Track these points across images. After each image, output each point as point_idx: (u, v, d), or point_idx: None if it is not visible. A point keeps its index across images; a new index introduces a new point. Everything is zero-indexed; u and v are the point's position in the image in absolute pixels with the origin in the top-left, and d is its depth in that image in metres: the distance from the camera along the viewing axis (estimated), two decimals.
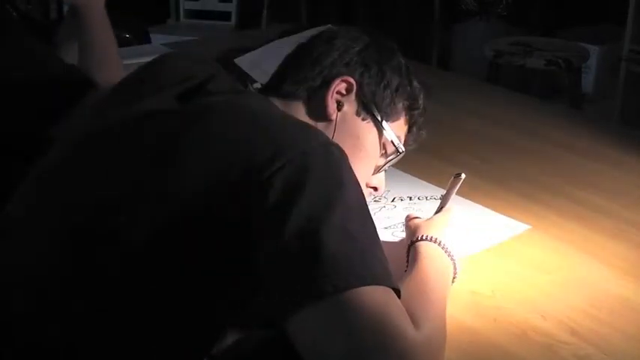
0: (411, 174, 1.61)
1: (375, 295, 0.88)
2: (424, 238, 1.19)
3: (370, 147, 1.21)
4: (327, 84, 1.17)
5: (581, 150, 1.76)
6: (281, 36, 2.02)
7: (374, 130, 1.20)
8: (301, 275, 0.87)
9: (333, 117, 1.17)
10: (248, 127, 0.98)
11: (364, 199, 0.97)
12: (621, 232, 1.42)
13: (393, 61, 1.23)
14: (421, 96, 1.27)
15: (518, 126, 1.90)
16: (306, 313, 0.86)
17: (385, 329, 0.86)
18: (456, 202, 1.38)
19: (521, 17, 4.36)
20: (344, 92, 1.17)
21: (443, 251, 1.18)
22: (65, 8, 1.79)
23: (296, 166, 0.91)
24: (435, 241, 1.19)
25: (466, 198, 1.50)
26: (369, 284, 0.88)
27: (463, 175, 1.30)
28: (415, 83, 1.25)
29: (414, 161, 1.68)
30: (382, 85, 1.20)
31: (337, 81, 1.17)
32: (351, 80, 1.17)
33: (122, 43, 3.00)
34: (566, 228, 1.43)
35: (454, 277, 1.19)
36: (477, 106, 2.03)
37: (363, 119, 1.19)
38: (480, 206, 1.50)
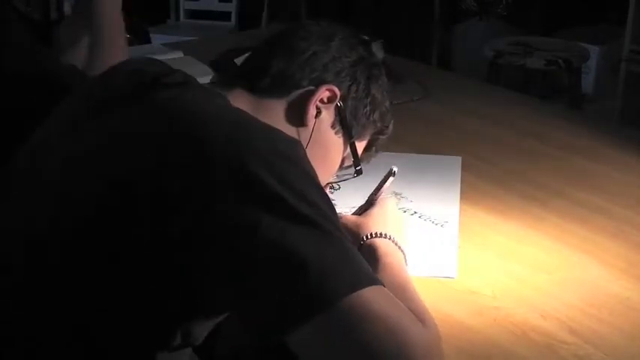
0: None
1: (372, 296, 0.88)
2: (375, 235, 1.18)
3: (333, 161, 1.18)
4: (313, 89, 1.12)
5: (581, 150, 1.76)
6: None
7: (341, 146, 1.17)
8: (287, 296, 0.86)
9: (310, 124, 1.13)
10: (185, 126, 0.96)
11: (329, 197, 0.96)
12: (621, 232, 1.42)
13: (379, 80, 1.18)
14: (391, 122, 1.24)
15: (518, 126, 1.90)
16: (303, 332, 0.86)
17: (394, 331, 0.87)
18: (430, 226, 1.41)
19: (521, 17, 4.35)
20: (325, 101, 1.13)
21: (395, 245, 1.18)
22: (67, 7, 1.77)
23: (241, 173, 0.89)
24: (385, 237, 1.18)
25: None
26: (362, 287, 0.87)
27: (395, 168, 1.28)
28: (389, 106, 1.22)
29: None
30: (364, 103, 1.16)
31: (323, 88, 1.12)
32: (337, 92, 1.13)
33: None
34: (566, 228, 1.43)
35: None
36: (477, 106, 2.03)
37: (336, 133, 1.16)
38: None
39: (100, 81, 1.17)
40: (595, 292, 1.24)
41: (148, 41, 3.54)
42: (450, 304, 1.20)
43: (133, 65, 1.15)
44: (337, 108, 1.14)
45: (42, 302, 0.96)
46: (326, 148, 1.16)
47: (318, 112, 1.13)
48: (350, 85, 1.14)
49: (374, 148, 1.24)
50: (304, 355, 0.89)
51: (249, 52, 1.20)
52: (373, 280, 0.90)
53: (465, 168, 1.67)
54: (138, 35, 3.48)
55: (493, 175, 1.64)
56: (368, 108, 1.17)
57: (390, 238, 1.18)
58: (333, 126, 1.15)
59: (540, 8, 4.44)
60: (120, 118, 1.02)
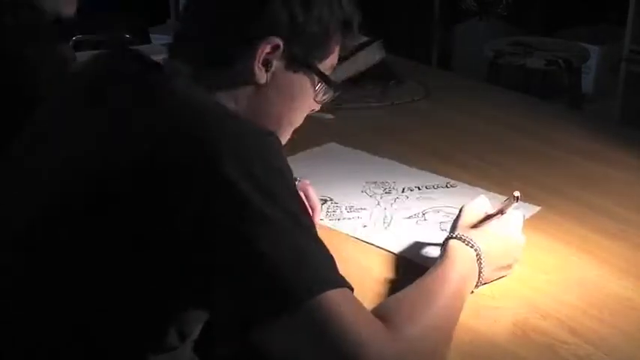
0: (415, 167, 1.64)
1: (338, 299, 0.87)
2: (462, 237, 1.17)
3: (304, 95, 1.14)
4: (250, 48, 1.06)
5: (581, 150, 1.76)
6: None
7: (306, 78, 1.13)
8: (255, 295, 0.87)
9: (263, 80, 1.08)
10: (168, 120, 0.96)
11: (296, 189, 0.96)
12: (621, 232, 1.41)
13: None
14: (355, 17, 1.16)
15: (518, 126, 1.90)
16: (267, 331, 0.87)
17: (351, 336, 0.86)
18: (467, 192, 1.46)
19: (521, 17, 4.35)
20: (269, 51, 1.07)
21: (475, 258, 1.16)
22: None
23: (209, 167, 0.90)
24: (472, 246, 1.16)
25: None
26: (329, 289, 0.87)
27: (517, 194, 1.21)
28: (344, 3, 1.13)
29: (414, 161, 1.68)
30: (312, 29, 1.09)
31: (261, 46, 1.06)
32: (277, 41, 1.06)
33: (122, 43, 3.01)
34: (566, 228, 1.43)
35: (476, 286, 1.18)
36: (477, 106, 2.03)
37: (295, 72, 1.11)
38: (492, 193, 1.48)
39: (86, 74, 1.15)
40: (595, 292, 1.24)
41: (148, 41, 3.53)
42: None
43: (116, 59, 1.14)
44: (284, 51, 1.08)
45: (42, 302, 0.96)
46: (291, 91, 1.12)
47: (269, 65, 1.08)
48: (289, 22, 1.07)
49: (348, 42, 1.17)
50: (266, 353, 0.89)
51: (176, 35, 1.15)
52: (341, 283, 0.90)
53: (465, 168, 1.66)
54: (138, 35, 3.48)
55: (493, 174, 1.63)
56: (317, 27, 1.09)
57: (475, 250, 1.16)
58: (288, 68, 1.10)
59: (540, 8, 4.44)
60: (103, 116, 1.02)
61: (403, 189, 1.55)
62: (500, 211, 1.24)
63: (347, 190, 1.54)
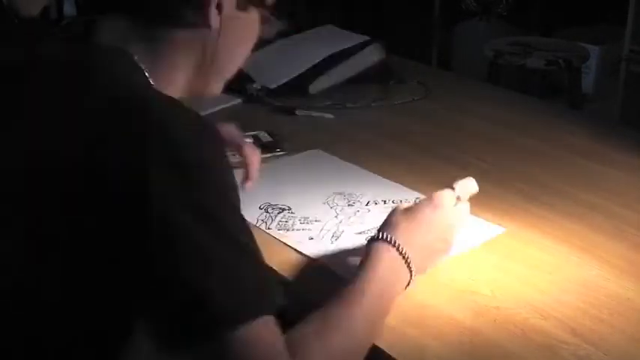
0: (392, 179, 1.58)
1: (250, 334, 0.86)
2: (385, 238, 1.13)
3: (256, 28, 1.10)
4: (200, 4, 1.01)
5: (581, 150, 1.76)
6: (280, 35, 2.02)
7: (256, 12, 1.08)
8: (175, 319, 0.87)
9: (217, 24, 1.02)
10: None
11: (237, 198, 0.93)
12: (621, 232, 1.41)
13: None
14: None
15: (519, 126, 1.90)
16: (179, 354, 0.87)
17: None
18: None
19: (521, 17, 4.35)
20: None
21: (402, 259, 1.13)
22: (67, 7, 1.78)
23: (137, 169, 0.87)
24: (396, 246, 1.13)
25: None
26: (246, 321, 0.86)
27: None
28: None
29: (413, 161, 1.69)
30: None
31: None
32: None
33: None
34: (566, 228, 1.43)
35: (407, 285, 1.15)
36: (476, 106, 2.03)
37: (244, 9, 1.06)
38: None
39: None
40: (595, 292, 1.24)
41: None
42: (450, 304, 1.20)
43: (40, 42, 1.10)
44: None
45: (43, 303, 0.96)
46: (242, 29, 1.08)
47: (220, 7, 1.02)
48: None
49: None
50: None
51: None
52: (264, 310, 0.88)
53: (465, 168, 1.66)
54: None
55: (493, 175, 1.63)
56: None
57: (400, 251, 1.13)
58: (238, 6, 1.05)
59: (540, 8, 4.44)
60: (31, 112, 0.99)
61: (368, 202, 1.48)
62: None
63: (310, 199, 1.48)
